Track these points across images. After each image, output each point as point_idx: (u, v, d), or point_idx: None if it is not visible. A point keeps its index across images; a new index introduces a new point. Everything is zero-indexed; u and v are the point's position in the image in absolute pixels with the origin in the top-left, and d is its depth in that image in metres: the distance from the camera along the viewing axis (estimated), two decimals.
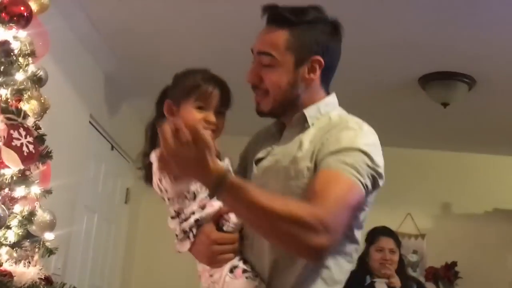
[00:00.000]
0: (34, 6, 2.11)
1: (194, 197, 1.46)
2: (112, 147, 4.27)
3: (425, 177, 5.11)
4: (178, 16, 3.21)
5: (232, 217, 1.45)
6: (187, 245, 1.45)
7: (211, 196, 1.26)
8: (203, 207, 1.45)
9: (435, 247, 4.97)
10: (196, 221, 1.44)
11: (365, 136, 1.43)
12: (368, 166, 1.38)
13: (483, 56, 3.42)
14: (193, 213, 1.45)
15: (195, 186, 1.45)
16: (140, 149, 1.57)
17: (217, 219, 1.45)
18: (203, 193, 1.45)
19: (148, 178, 1.52)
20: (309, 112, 1.52)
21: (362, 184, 1.35)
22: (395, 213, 4.92)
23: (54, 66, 2.81)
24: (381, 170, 1.42)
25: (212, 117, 1.51)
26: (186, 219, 1.45)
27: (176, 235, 1.48)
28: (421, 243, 5.04)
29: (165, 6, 3.12)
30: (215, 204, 1.45)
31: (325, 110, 1.53)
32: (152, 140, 1.51)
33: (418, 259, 4.99)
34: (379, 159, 1.42)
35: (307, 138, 1.47)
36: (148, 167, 1.50)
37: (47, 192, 2.05)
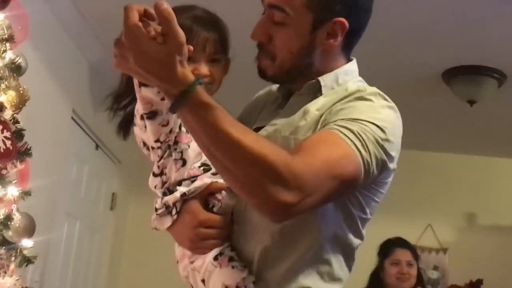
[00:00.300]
0: None
1: (183, 161, 1.38)
2: (97, 147, 4.28)
3: (448, 184, 5.11)
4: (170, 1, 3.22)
5: (225, 197, 1.37)
6: (167, 222, 1.37)
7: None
8: (192, 180, 1.37)
9: (458, 262, 4.97)
10: (183, 195, 1.35)
11: (383, 110, 1.33)
12: (378, 142, 1.26)
13: None
14: (180, 184, 1.37)
15: (184, 146, 1.37)
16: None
17: (206, 197, 1.37)
18: (194, 161, 1.38)
19: (123, 126, 1.44)
20: (325, 80, 1.42)
21: (362, 159, 1.23)
22: (414, 224, 4.93)
23: (34, 53, 2.83)
24: (395, 152, 1.31)
25: (203, 69, 1.39)
26: (170, 190, 1.38)
27: (156, 209, 1.39)
28: (442, 258, 5.05)
29: None
30: (207, 179, 1.37)
31: (344, 79, 1.44)
32: (130, 81, 1.36)
33: (439, 276, 5.00)
34: (396, 139, 1.31)
35: (314, 106, 1.39)
36: (123, 108, 1.42)
37: (25, 193, 2.06)
